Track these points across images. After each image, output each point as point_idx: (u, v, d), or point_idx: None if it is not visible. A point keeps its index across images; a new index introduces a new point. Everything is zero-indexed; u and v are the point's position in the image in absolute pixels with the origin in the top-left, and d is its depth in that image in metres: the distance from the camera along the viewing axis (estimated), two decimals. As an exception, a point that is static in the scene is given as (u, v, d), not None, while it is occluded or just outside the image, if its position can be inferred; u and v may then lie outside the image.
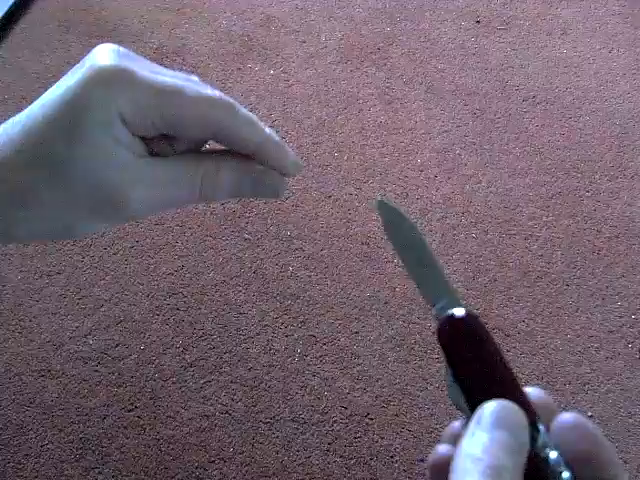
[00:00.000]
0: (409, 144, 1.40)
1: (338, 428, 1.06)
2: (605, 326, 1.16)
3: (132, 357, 1.12)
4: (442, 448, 0.27)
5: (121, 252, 1.24)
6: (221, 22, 1.63)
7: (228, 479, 1.01)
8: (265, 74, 1.52)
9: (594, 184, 1.35)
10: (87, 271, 1.22)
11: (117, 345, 1.13)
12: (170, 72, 0.30)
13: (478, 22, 1.64)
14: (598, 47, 1.59)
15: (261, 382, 1.09)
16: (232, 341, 1.14)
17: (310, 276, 1.21)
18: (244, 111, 0.31)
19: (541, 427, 0.24)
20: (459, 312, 0.28)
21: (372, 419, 1.06)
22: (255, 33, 1.60)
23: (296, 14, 1.64)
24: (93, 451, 1.03)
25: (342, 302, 1.18)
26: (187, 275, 1.21)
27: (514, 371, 0.26)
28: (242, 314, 1.17)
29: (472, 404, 0.25)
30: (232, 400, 1.08)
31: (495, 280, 1.21)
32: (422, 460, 1.03)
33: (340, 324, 1.16)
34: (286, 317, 1.16)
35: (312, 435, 1.05)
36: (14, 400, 1.08)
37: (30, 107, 0.29)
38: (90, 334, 1.14)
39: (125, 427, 1.05)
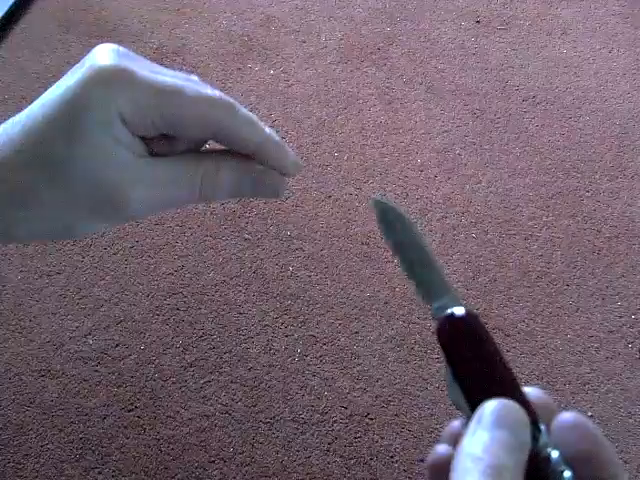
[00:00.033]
0: (409, 144, 1.40)
1: (338, 428, 1.05)
2: (605, 326, 1.16)
3: (132, 357, 1.12)
4: (441, 448, 0.27)
5: (121, 252, 1.24)
6: (221, 22, 1.63)
7: (228, 479, 1.01)
8: (265, 74, 1.52)
9: (594, 184, 1.35)
10: (87, 271, 1.22)
11: (117, 345, 1.13)
12: (170, 72, 0.30)
13: (478, 22, 1.64)
14: (598, 47, 1.59)
15: (261, 382, 1.09)
16: (232, 341, 1.14)
17: (310, 276, 1.21)
18: (244, 111, 0.31)
19: (542, 426, 0.24)
20: (459, 311, 0.27)
21: (372, 419, 1.06)
22: (255, 33, 1.60)
23: (296, 14, 1.64)
24: (93, 451, 1.03)
25: (342, 302, 1.18)
26: (187, 275, 1.21)
27: (514, 371, 0.26)
28: (242, 314, 1.17)
29: (472, 403, 0.25)
30: (232, 400, 1.08)
31: (495, 280, 1.21)
32: (422, 460, 1.03)
33: (340, 324, 1.16)
34: (286, 317, 1.16)
35: (312, 435, 1.05)
36: (14, 400, 1.08)
37: (30, 107, 0.29)
38: (90, 334, 1.14)
39: (125, 427, 1.05)
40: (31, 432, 1.05)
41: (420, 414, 1.07)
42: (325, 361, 1.12)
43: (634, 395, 1.09)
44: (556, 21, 1.64)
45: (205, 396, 1.08)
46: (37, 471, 1.02)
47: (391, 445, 1.04)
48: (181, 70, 0.32)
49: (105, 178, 0.28)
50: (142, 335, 1.14)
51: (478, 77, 1.52)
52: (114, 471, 1.02)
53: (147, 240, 1.26)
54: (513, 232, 1.28)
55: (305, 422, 1.06)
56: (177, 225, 1.28)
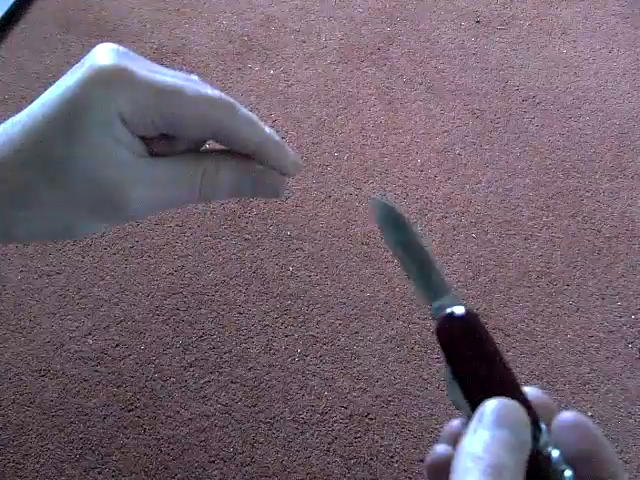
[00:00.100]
0: (409, 144, 1.40)
1: (338, 428, 1.05)
2: (605, 326, 1.16)
3: (132, 357, 1.12)
4: (440, 448, 0.27)
5: (121, 252, 1.24)
6: (221, 22, 1.63)
7: (228, 479, 1.01)
8: (265, 74, 1.52)
9: (594, 184, 1.35)
10: (87, 271, 1.22)
11: (117, 345, 1.13)
12: (170, 72, 0.30)
13: (478, 22, 1.64)
14: (598, 47, 1.59)
15: (261, 382, 1.09)
16: (232, 341, 1.14)
17: (310, 276, 1.21)
18: (244, 111, 0.31)
19: (543, 426, 0.24)
20: (459, 310, 0.27)
21: (372, 419, 1.06)
22: (255, 33, 1.60)
23: (296, 14, 1.64)
24: (93, 451, 1.03)
25: (342, 302, 1.18)
26: (187, 275, 1.21)
27: (514, 371, 0.26)
28: (242, 314, 1.17)
29: (472, 403, 0.25)
30: (232, 400, 1.08)
31: (495, 280, 1.21)
32: (422, 460, 1.03)
33: (340, 324, 1.16)
34: (286, 317, 1.16)
35: (312, 435, 1.05)
36: (14, 400, 1.08)
37: (30, 107, 0.29)
38: (90, 334, 1.14)
39: (125, 427, 1.05)
40: (31, 432, 1.05)
41: (420, 414, 1.07)
42: (325, 361, 1.12)
43: (634, 395, 1.09)
44: (556, 21, 1.64)
45: (205, 396, 1.08)
46: (37, 471, 1.02)
47: (391, 445, 1.04)
48: (181, 70, 0.32)
49: (105, 178, 0.28)
50: (142, 335, 1.14)
51: (478, 77, 1.52)
52: (114, 471, 1.02)
53: (147, 240, 1.26)
54: (513, 232, 1.27)
55: (305, 422, 1.06)
56: (177, 225, 1.28)
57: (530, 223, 1.29)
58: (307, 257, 1.23)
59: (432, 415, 1.07)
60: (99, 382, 1.09)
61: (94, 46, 0.29)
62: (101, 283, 1.20)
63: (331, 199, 1.31)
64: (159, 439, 1.04)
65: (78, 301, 1.18)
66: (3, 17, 1.58)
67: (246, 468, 1.02)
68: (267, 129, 0.32)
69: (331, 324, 1.15)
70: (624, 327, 1.16)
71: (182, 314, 1.17)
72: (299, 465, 1.02)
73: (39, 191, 0.28)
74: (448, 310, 0.28)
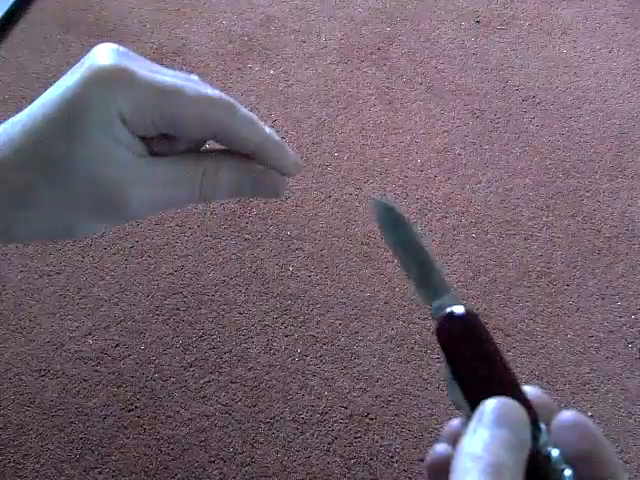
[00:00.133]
0: (409, 144, 1.40)
1: (338, 428, 1.05)
2: (605, 326, 1.16)
3: (132, 357, 1.12)
4: (440, 447, 0.27)
5: (121, 252, 1.24)
6: (221, 22, 1.63)
7: (228, 479, 1.01)
8: (265, 74, 1.52)
9: (594, 184, 1.35)
10: (87, 271, 1.22)
11: (117, 345, 1.13)
12: (170, 72, 0.30)
13: (478, 22, 1.64)
14: (598, 47, 1.59)
15: (261, 382, 1.09)
16: (232, 341, 1.14)
17: (310, 276, 1.21)
18: (244, 111, 0.31)
19: (542, 425, 0.24)
20: (459, 310, 0.27)
21: (372, 419, 1.06)
22: (255, 33, 1.61)
23: (296, 14, 1.64)
24: (93, 451, 1.03)
25: (342, 302, 1.18)
26: (187, 275, 1.21)
27: (514, 371, 0.26)
28: (242, 314, 1.17)
29: (472, 403, 0.25)
30: (232, 400, 1.08)
31: (495, 280, 1.21)
32: (422, 460, 1.03)
33: (340, 324, 1.16)
34: (286, 317, 1.16)
35: (312, 435, 1.05)
36: (14, 400, 1.08)
37: (30, 107, 0.29)
38: (90, 334, 1.14)
39: (125, 427, 1.05)
40: (31, 432, 1.05)
41: (420, 414, 1.07)
42: (325, 361, 1.12)
43: (634, 395, 1.09)
44: (556, 21, 1.64)
45: (205, 396, 1.08)
46: (37, 471, 1.02)
47: (391, 445, 1.04)
48: (181, 70, 0.32)
49: (105, 178, 0.28)
50: (142, 335, 1.14)
51: (478, 77, 1.52)
52: (114, 471, 1.02)
53: (147, 240, 1.26)
54: (513, 232, 1.28)
55: (305, 422, 1.06)
56: (177, 225, 1.28)
57: (530, 223, 1.29)
58: (307, 257, 1.23)
59: (432, 415, 1.07)
60: (99, 382, 1.09)
61: (94, 46, 0.29)
62: (101, 283, 1.20)
63: (331, 199, 1.31)
64: (159, 439, 1.04)
65: (78, 301, 1.18)
66: (3, 17, 1.58)
67: (246, 468, 1.02)
68: (267, 129, 0.32)
69: (331, 324, 1.15)
70: (624, 327, 1.16)
71: (182, 314, 1.17)
72: (299, 465, 1.02)
73: (39, 191, 0.28)
74: (448, 310, 0.28)
